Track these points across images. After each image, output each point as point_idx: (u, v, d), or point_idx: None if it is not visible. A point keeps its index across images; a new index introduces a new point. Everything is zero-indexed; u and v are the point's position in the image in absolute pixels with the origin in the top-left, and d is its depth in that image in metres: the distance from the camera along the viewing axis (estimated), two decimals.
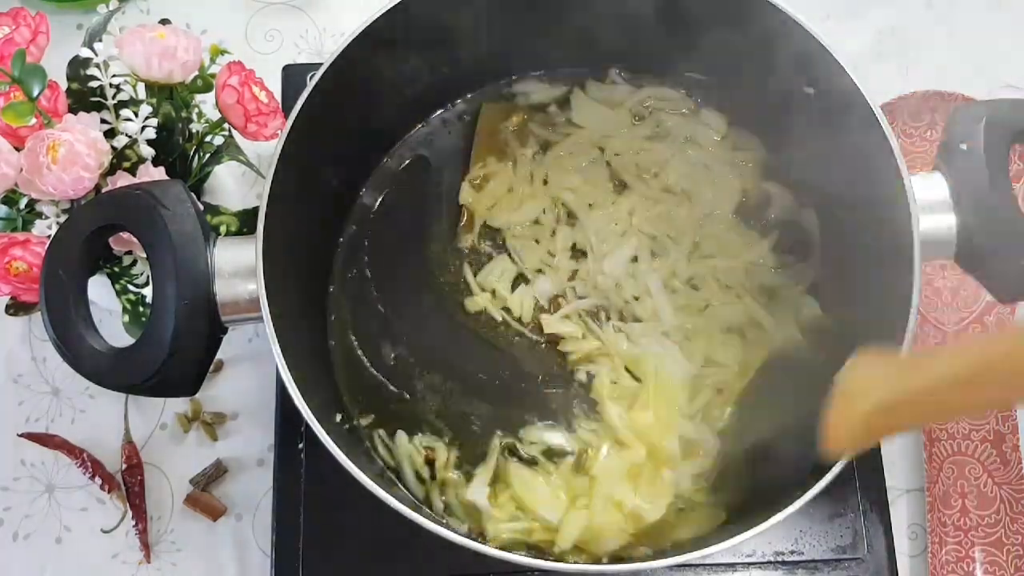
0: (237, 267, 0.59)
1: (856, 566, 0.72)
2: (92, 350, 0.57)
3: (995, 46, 0.93)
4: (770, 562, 0.72)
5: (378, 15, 0.67)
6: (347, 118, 0.72)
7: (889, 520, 0.73)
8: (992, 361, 0.45)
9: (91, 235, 0.58)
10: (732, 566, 0.72)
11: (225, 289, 0.59)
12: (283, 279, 0.62)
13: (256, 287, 0.59)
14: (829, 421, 0.52)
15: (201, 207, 0.60)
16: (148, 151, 0.66)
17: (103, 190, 0.65)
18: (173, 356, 0.56)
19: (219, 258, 0.59)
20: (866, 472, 0.74)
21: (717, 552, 0.57)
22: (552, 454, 0.71)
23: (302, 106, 0.64)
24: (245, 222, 0.70)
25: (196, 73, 0.71)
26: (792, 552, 0.72)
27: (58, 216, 0.65)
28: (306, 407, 0.58)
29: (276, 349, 0.59)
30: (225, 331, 0.61)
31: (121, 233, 0.62)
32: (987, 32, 0.94)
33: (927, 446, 0.77)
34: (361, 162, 0.80)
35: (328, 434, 0.58)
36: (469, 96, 0.83)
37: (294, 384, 0.59)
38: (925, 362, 0.49)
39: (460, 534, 0.59)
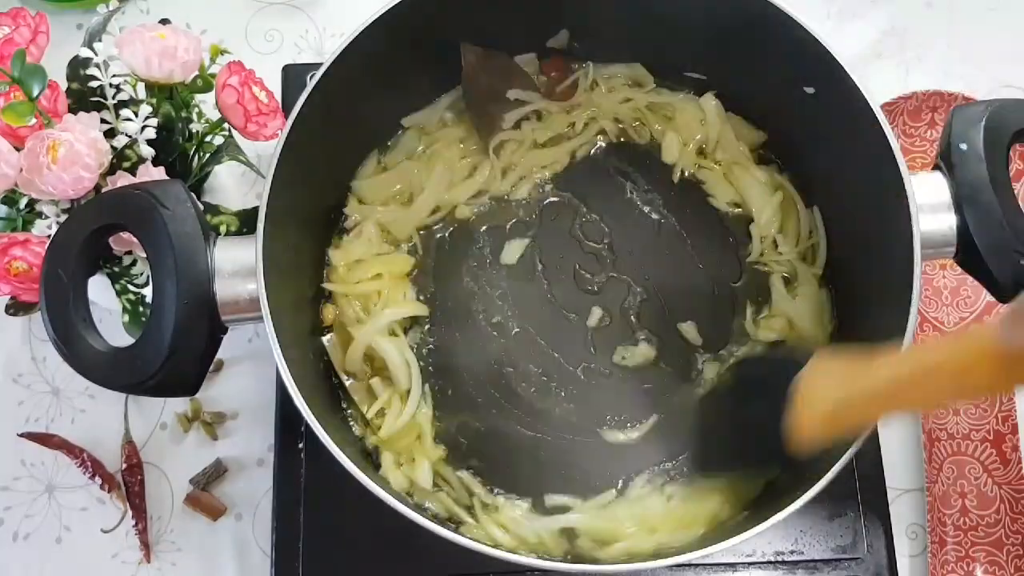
0: (237, 267, 0.59)
1: (856, 566, 0.72)
2: (92, 350, 0.57)
3: (995, 46, 0.93)
4: (770, 562, 0.72)
5: (378, 15, 0.67)
6: (347, 118, 0.72)
7: (889, 520, 0.73)
8: (928, 368, 0.50)
9: (91, 235, 0.58)
10: (732, 566, 0.72)
11: (225, 289, 0.59)
12: (283, 279, 0.62)
13: (256, 287, 0.59)
14: (794, 423, 0.56)
15: (201, 207, 0.60)
16: (148, 151, 0.66)
17: (103, 190, 0.65)
18: (173, 356, 0.56)
19: (219, 258, 0.59)
20: (866, 472, 0.74)
21: (717, 552, 0.57)
22: None
23: (302, 106, 0.64)
24: (245, 222, 0.70)
25: (196, 73, 0.70)
26: (792, 552, 0.72)
27: (58, 216, 0.65)
28: (306, 407, 0.58)
29: (276, 349, 0.59)
30: (225, 331, 0.61)
31: (121, 233, 0.62)
32: (987, 32, 0.94)
33: (927, 446, 0.77)
34: (361, 162, 0.80)
35: (328, 434, 0.58)
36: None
37: (294, 384, 0.59)
38: (874, 367, 0.53)
39: (460, 534, 0.59)
